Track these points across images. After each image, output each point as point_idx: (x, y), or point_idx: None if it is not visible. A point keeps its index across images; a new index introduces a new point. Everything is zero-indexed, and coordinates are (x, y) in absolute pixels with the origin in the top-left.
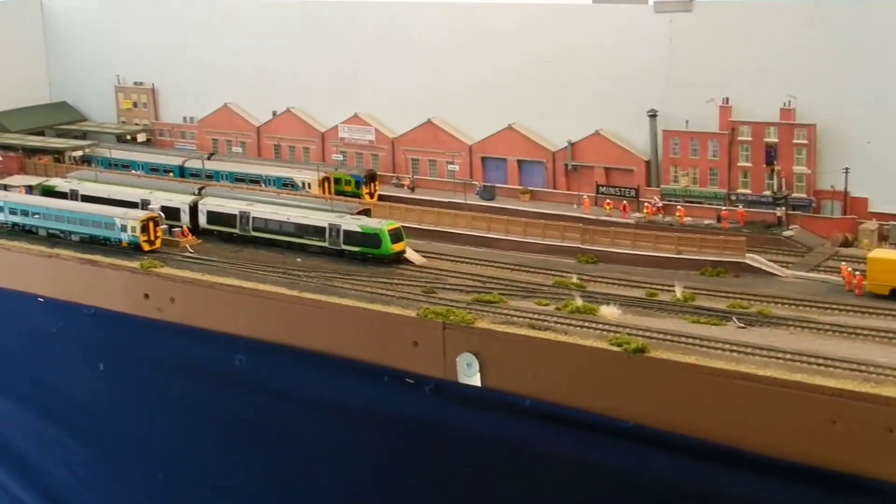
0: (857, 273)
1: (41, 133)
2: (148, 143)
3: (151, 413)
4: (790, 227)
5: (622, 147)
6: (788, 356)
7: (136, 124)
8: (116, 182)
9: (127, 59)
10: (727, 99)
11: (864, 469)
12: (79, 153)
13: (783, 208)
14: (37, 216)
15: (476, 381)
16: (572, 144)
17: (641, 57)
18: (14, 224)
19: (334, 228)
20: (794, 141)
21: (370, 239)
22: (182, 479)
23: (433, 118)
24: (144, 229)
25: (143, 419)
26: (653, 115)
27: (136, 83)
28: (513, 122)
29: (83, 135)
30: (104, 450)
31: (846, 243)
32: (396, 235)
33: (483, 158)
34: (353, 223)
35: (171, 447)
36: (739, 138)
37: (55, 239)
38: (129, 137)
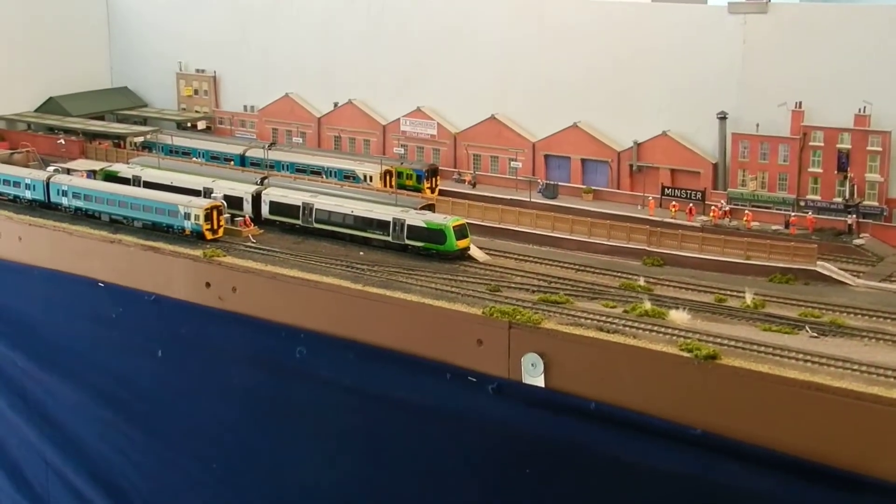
0: None
1: (102, 118)
2: (208, 130)
3: (209, 401)
4: (861, 236)
5: (689, 149)
6: (864, 368)
7: (197, 112)
8: (179, 169)
9: (189, 46)
10: (800, 103)
11: None
12: (140, 139)
13: (854, 216)
14: (100, 201)
15: (540, 381)
16: (638, 145)
17: (713, 58)
18: (77, 209)
19: (398, 223)
20: (868, 148)
21: (435, 234)
22: (238, 469)
23: (496, 114)
24: (208, 218)
25: (201, 407)
26: (722, 118)
27: (197, 70)
28: (578, 121)
29: (143, 121)
30: (160, 437)
31: None
32: (461, 232)
33: (546, 156)
34: (417, 218)
35: (227, 436)
36: (811, 143)
37: (117, 225)
38: (189, 124)
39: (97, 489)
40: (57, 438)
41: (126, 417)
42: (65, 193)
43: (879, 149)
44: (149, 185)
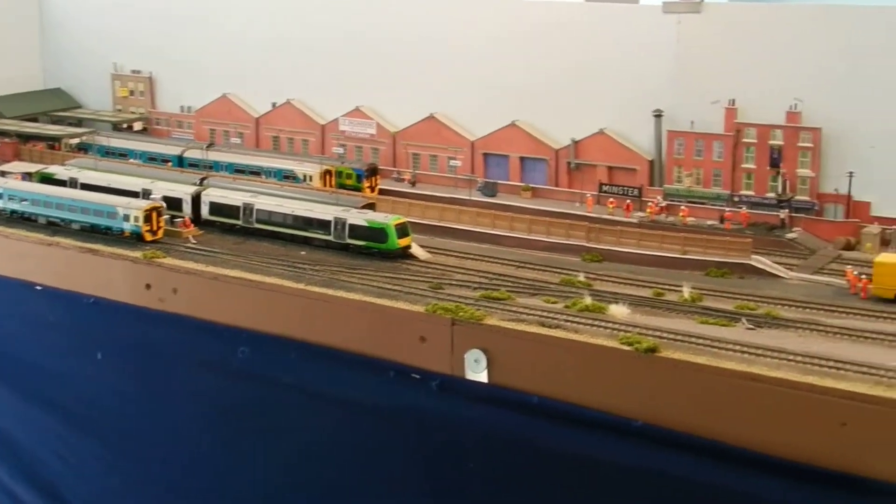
0: (863, 276)
1: (35, 119)
2: (144, 131)
3: (150, 404)
4: (793, 230)
5: (626, 146)
6: (799, 358)
7: (133, 113)
8: (116, 171)
9: (124, 46)
10: (733, 101)
11: (873, 471)
12: (76, 141)
13: (787, 211)
14: (37, 204)
15: (483, 377)
16: (576, 143)
17: (649, 57)
18: (13, 211)
19: (340, 222)
20: (799, 144)
21: (376, 233)
22: (179, 472)
23: (435, 113)
24: (147, 219)
25: (141, 409)
26: (658, 116)
27: (133, 71)
28: (516, 120)
29: (78, 122)
30: (100, 440)
31: (849, 247)
32: (402, 230)
33: (485, 155)
34: (358, 217)
35: (168, 438)
36: (744, 140)
37: (55, 227)
38: (125, 126)
39: (35, 493)
40: None
41: (65, 421)
42: (0, 196)
43: (810, 145)
44: (86, 187)
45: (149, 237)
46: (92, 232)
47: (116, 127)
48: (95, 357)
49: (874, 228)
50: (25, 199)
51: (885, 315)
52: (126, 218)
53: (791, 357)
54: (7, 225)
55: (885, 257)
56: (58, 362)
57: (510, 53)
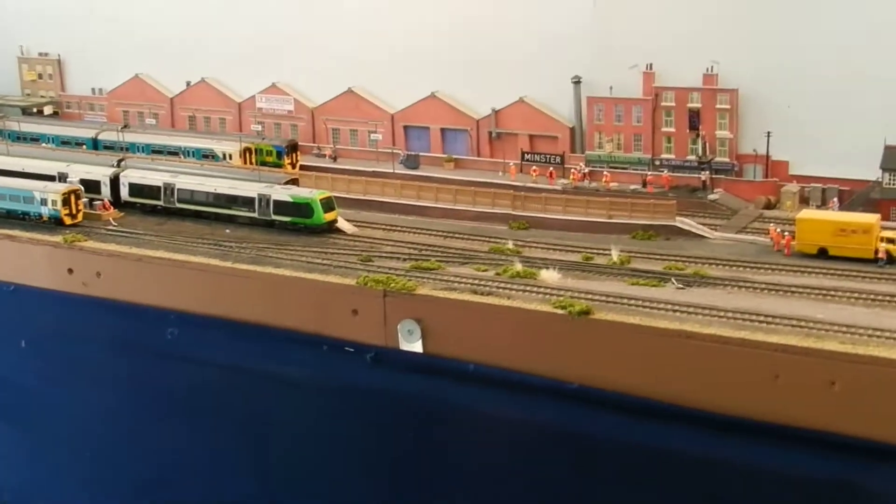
0: (786, 234)
1: None
2: (55, 115)
3: (78, 389)
4: (715, 191)
5: (546, 114)
6: (730, 314)
7: (42, 97)
8: (29, 155)
9: (30, 28)
10: (651, 65)
11: (806, 421)
12: None
13: (707, 172)
14: None
15: (418, 347)
16: (496, 112)
17: (566, 23)
18: None
19: (264, 199)
20: (717, 106)
21: (302, 209)
22: (111, 458)
23: (354, 87)
24: (66, 202)
25: (70, 397)
26: (577, 82)
27: (40, 54)
28: (435, 91)
29: None
30: (28, 430)
31: (769, 206)
32: (328, 205)
33: (406, 127)
34: (283, 193)
35: (99, 423)
36: (663, 104)
37: None
38: (35, 110)
39: None
40: None
41: None
42: None
43: (728, 106)
44: None
45: (68, 221)
46: (8, 217)
47: (26, 111)
48: (19, 345)
49: (793, 187)
50: None
51: (809, 270)
52: (44, 202)
53: (722, 314)
54: None
55: (807, 213)
56: None
57: (426, 22)
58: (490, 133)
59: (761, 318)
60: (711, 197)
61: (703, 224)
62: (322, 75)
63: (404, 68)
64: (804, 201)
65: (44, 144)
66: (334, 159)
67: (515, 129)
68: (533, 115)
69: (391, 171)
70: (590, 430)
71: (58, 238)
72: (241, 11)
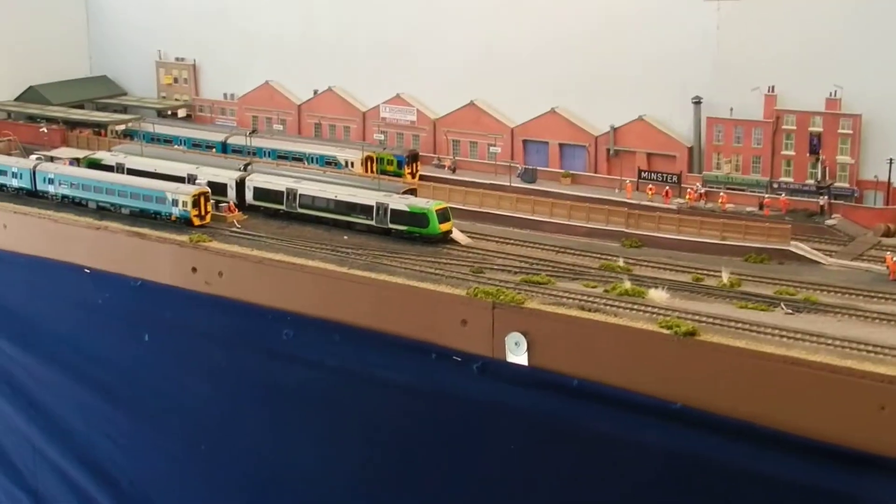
0: None
1: (81, 106)
2: (188, 118)
3: (196, 385)
4: (832, 217)
5: (665, 133)
6: (838, 342)
7: (177, 100)
8: (161, 157)
9: (168, 34)
10: (773, 87)
11: None
12: (121, 127)
13: (826, 197)
14: (87, 189)
15: (524, 360)
16: (615, 129)
17: (688, 44)
18: (64, 196)
19: (382, 207)
20: (839, 131)
21: (418, 218)
22: (225, 452)
23: (476, 100)
24: (196, 204)
25: (188, 391)
26: (697, 102)
27: (177, 59)
28: (555, 106)
29: (123, 109)
30: (148, 421)
31: (888, 233)
32: (444, 215)
33: (525, 141)
34: (400, 202)
35: (215, 419)
36: (784, 127)
37: (104, 212)
38: (169, 112)
39: (85, 473)
40: (44, 424)
41: (112, 402)
42: (51, 181)
43: (850, 132)
44: (132, 172)
45: (197, 222)
46: (141, 216)
47: (161, 114)
48: (143, 339)
49: None
50: (76, 185)
51: None
52: (175, 203)
53: (830, 341)
54: (57, 210)
55: None
56: (106, 344)
57: (550, 41)
58: (608, 150)
59: (870, 348)
60: (829, 222)
61: (818, 249)
62: (445, 87)
63: (526, 83)
64: None
65: (176, 146)
66: (453, 170)
67: (633, 147)
68: (651, 134)
69: (508, 184)
70: (692, 450)
71: (184, 237)
72: (369, 24)
